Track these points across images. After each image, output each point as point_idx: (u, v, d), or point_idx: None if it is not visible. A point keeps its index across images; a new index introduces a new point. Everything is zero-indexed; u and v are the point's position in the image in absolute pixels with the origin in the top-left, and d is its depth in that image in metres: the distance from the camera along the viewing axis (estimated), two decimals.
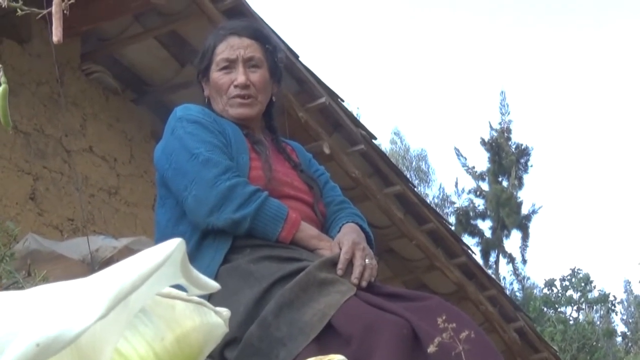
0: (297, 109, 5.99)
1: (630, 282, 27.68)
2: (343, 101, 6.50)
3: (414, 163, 28.89)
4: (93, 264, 4.20)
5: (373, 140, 6.63)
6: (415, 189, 6.92)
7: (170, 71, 6.07)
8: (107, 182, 5.81)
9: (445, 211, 28.66)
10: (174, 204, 2.57)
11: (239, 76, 2.67)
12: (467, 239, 28.24)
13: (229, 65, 2.70)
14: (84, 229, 5.39)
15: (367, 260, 2.36)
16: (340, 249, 2.38)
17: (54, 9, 1.74)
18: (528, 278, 28.16)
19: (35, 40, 5.48)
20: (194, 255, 2.45)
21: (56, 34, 1.66)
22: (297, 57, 5.91)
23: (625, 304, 27.31)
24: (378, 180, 6.74)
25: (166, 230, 2.57)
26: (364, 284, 2.31)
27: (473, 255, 7.51)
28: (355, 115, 7.29)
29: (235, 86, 2.68)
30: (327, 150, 6.14)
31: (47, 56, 5.24)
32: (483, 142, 28.64)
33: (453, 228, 28.24)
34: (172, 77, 6.04)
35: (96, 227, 5.58)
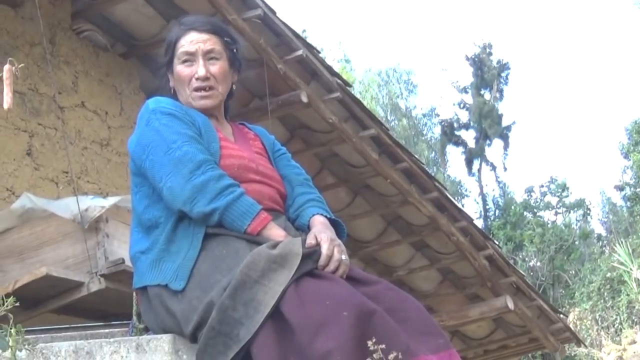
0: (276, 61, 6.32)
1: (604, 190, 28.42)
2: (319, 52, 6.80)
3: (403, 75, 29.39)
4: (83, 223, 4.52)
5: (348, 88, 6.96)
6: (390, 132, 7.29)
7: (156, 27, 6.37)
8: (99, 135, 6.11)
9: (432, 121, 29.30)
10: (150, 191, 2.74)
11: (199, 69, 2.87)
12: (452, 148, 28.92)
13: (190, 58, 2.89)
14: (78, 180, 5.74)
15: (343, 257, 2.49)
16: (318, 243, 2.50)
17: None
18: (508, 186, 28.90)
19: (27, 4, 5.75)
20: (171, 239, 2.64)
21: None
22: (274, 12, 6.22)
23: (603, 206, 28.02)
24: (354, 124, 7.08)
25: (143, 216, 2.74)
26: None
27: (445, 190, 7.91)
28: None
29: (197, 78, 2.87)
30: (304, 99, 6.50)
31: (39, 18, 5.48)
32: (467, 58, 29.18)
33: (438, 138, 28.82)
34: (158, 32, 6.33)
35: (89, 178, 5.92)
